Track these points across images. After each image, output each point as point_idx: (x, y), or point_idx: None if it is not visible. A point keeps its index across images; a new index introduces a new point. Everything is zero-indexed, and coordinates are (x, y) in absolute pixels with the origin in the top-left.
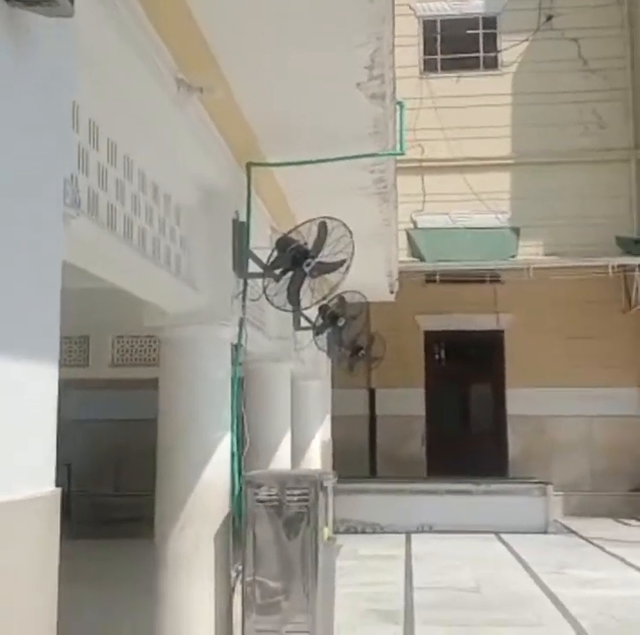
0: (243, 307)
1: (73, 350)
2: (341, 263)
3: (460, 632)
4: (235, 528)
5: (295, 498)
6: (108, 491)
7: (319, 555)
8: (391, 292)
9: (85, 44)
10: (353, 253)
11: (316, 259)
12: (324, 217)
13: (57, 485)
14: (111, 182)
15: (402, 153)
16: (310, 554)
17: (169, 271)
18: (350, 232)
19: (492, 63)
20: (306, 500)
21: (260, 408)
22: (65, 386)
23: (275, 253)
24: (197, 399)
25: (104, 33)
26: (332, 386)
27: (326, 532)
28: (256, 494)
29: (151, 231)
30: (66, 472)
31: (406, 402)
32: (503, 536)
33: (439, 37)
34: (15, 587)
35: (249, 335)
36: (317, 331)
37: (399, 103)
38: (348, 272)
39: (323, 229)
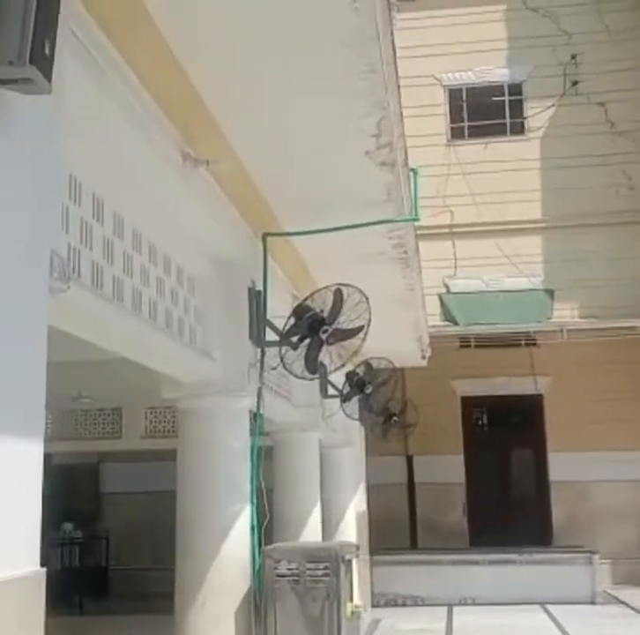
0: (261, 376)
1: (107, 422)
2: (359, 329)
3: None
4: (256, 604)
5: (316, 572)
6: (145, 565)
7: (342, 630)
8: (423, 357)
9: (84, 120)
10: (370, 319)
11: (333, 326)
12: (340, 284)
13: (43, 565)
14: (118, 254)
15: (417, 220)
16: (333, 630)
17: (182, 342)
18: (366, 298)
19: (519, 129)
20: (327, 574)
21: (288, 479)
22: (100, 459)
23: (292, 321)
24: (215, 471)
25: (104, 109)
26: (367, 454)
27: (350, 607)
28: (275, 568)
29: (162, 303)
30: (104, 546)
31: (445, 469)
32: (549, 607)
33: (465, 105)
34: None
35: (274, 404)
36: (345, 398)
37: (413, 170)
38: (366, 338)
39: (338, 296)
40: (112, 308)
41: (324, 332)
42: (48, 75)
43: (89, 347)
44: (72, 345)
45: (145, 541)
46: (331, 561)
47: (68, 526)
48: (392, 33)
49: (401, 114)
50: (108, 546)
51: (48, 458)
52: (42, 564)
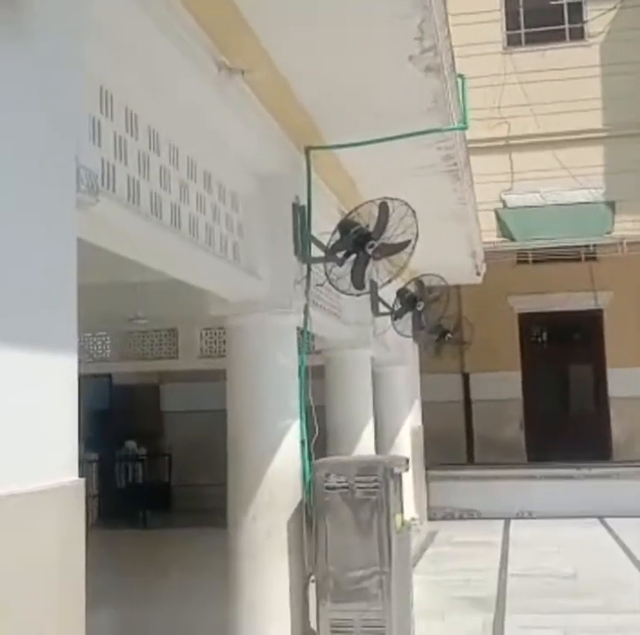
0: (307, 293)
1: (163, 343)
2: (406, 243)
3: (552, 620)
4: (308, 516)
5: (365, 485)
6: (206, 481)
7: (392, 542)
8: (478, 274)
9: (115, 31)
10: (417, 233)
11: (379, 241)
12: (385, 198)
13: (81, 476)
14: (154, 170)
15: (465, 128)
16: (384, 541)
17: (226, 259)
18: (413, 212)
19: (578, 35)
20: (377, 487)
21: (340, 396)
22: (160, 379)
23: (337, 236)
24: (263, 388)
25: (135, 18)
26: (421, 372)
27: (399, 519)
28: (325, 481)
29: (203, 219)
30: (167, 462)
31: (502, 386)
32: (607, 521)
33: (522, 11)
34: (38, 578)
35: (324, 322)
36: (396, 315)
37: (460, 76)
38: (413, 252)
39: (384, 210)
40: (149, 223)
41: (370, 246)
42: None
43: (138, 267)
44: (121, 266)
45: (205, 458)
46: (379, 474)
47: (131, 443)
48: None
49: (446, 15)
50: (170, 462)
51: (108, 378)
52: (102, 480)
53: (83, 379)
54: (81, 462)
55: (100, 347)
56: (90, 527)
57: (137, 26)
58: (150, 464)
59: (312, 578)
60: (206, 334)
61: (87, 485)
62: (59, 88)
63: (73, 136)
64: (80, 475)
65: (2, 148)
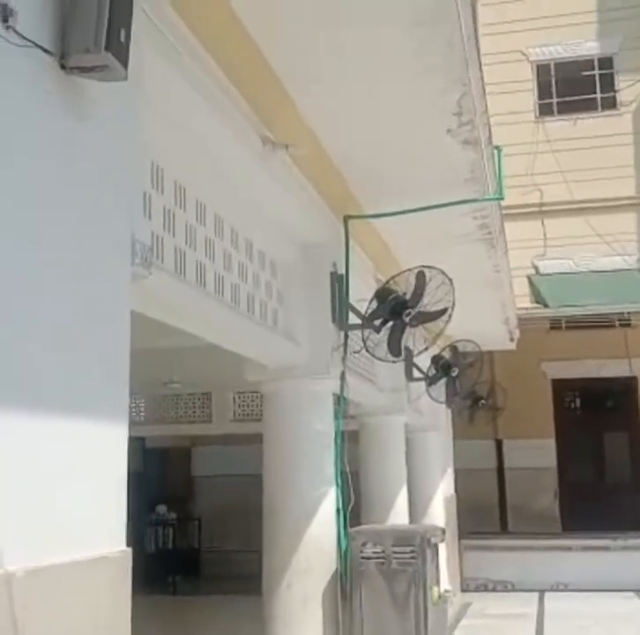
0: (344, 359)
1: (197, 406)
2: (442, 311)
3: None
4: (343, 586)
5: (402, 555)
6: (236, 547)
7: (429, 615)
8: (511, 340)
9: (164, 106)
10: (454, 302)
11: (416, 309)
12: (422, 266)
13: (128, 545)
14: (200, 240)
15: (502, 198)
16: (420, 614)
17: (265, 326)
18: (450, 280)
19: (610, 104)
20: (413, 558)
21: (374, 463)
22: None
23: (374, 304)
24: (299, 454)
25: (183, 94)
26: (454, 438)
27: (436, 591)
28: (361, 551)
29: (244, 287)
30: (196, 527)
31: (536, 453)
32: None
33: (554, 80)
34: None
35: (359, 388)
36: (430, 381)
37: (497, 148)
38: (450, 320)
39: (421, 278)
40: (195, 293)
41: (407, 314)
42: (123, 61)
43: (176, 334)
44: (160, 331)
45: (235, 524)
46: (416, 544)
47: (162, 508)
48: (474, 8)
49: (483, 90)
50: (200, 528)
51: (141, 441)
52: (131, 545)
53: None
54: None
55: (134, 411)
56: None
57: (187, 102)
58: (180, 529)
59: None
60: (239, 398)
61: None
62: (118, 166)
63: (129, 211)
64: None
65: (65, 224)
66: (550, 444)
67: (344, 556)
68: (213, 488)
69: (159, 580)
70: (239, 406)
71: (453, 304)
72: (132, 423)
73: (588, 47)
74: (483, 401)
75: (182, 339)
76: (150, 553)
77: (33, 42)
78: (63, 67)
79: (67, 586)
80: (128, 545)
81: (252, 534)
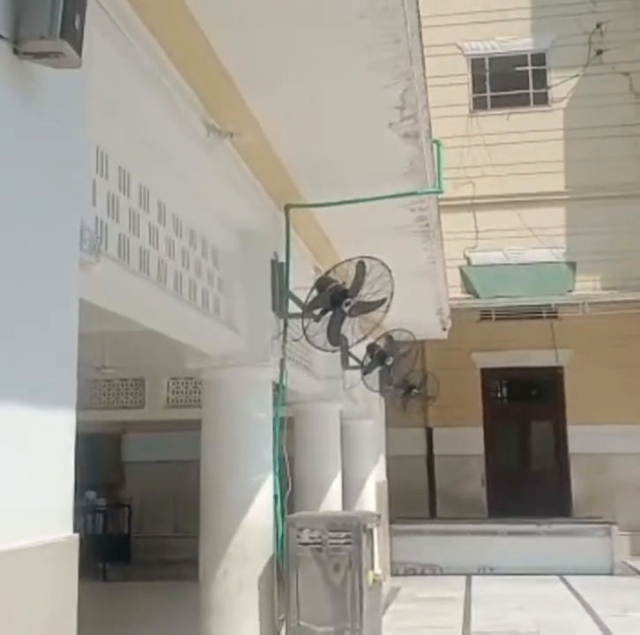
0: (283, 347)
1: (129, 392)
2: (381, 302)
3: None
4: (279, 572)
5: (338, 541)
6: (167, 533)
7: (364, 599)
8: (444, 329)
9: (110, 92)
10: (392, 292)
11: (356, 299)
12: (362, 256)
13: (76, 530)
14: (143, 227)
15: (440, 192)
16: (356, 598)
17: (207, 313)
18: (389, 271)
19: (542, 100)
20: (349, 543)
21: (309, 449)
22: (123, 429)
23: (314, 293)
24: (238, 441)
25: (129, 81)
26: (387, 426)
27: (371, 575)
28: (298, 537)
29: (187, 274)
30: (127, 513)
31: (465, 441)
32: (567, 578)
33: (488, 75)
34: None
35: (296, 376)
36: (366, 370)
37: (436, 142)
38: (388, 310)
39: (361, 269)
40: (138, 280)
41: (347, 304)
42: (78, 48)
43: (115, 319)
44: (98, 316)
45: (166, 510)
46: (353, 530)
47: (91, 494)
48: (417, 2)
49: (425, 85)
50: (131, 514)
51: None
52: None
53: None
54: None
55: None
56: None
57: (132, 89)
58: (110, 515)
59: (282, 633)
60: (173, 384)
61: None
62: (67, 152)
63: (78, 197)
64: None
65: (13, 209)
66: (478, 432)
67: (281, 542)
68: (144, 474)
69: (89, 567)
70: (172, 392)
71: (391, 295)
72: None
73: (522, 43)
74: (416, 390)
75: (117, 324)
76: (80, 539)
77: None
78: (16, 52)
79: (11, 573)
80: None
81: (182, 520)
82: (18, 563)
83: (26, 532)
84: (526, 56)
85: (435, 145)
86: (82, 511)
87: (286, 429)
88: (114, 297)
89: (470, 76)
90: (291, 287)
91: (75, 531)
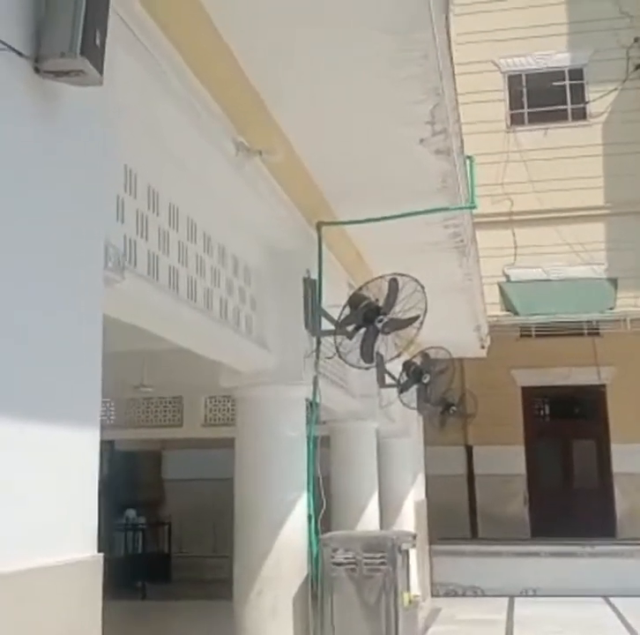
0: (316, 365)
1: (168, 410)
2: (415, 318)
3: None
4: (314, 592)
5: (373, 561)
6: (206, 552)
7: (400, 620)
8: (482, 347)
9: (138, 111)
10: (426, 309)
11: (389, 316)
12: (395, 273)
13: (100, 550)
14: (173, 245)
15: (474, 207)
16: (391, 619)
17: (238, 331)
18: (422, 287)
19: (580, 115)
20: (384, 563)
21: (345, 468)
22: (163, 446)
23: (347, 310)
24: (272, 459)
25: (156, 100)
26: (425, 444)
27: (407, 596)
28: (332, 557)
29: (218, 292)
30: (166, 532)
31: (506, 460)
32: (611, 600)
33: (525, 91)
34: None
35: (331, 394)
36: (402, 388)
37: (469, 157)
38: (422, 327)
39: (394, 286)
40: (167, 297)
41: (380, 321)
42: (99, 66)
43: (149, 337)
44: (133, 335)
45: (206, 528)
46: (387, 550)
47: (131, 512)
48: (448, 19)
49: (456, 100)
50: (171, 532)
51: (111, 445)
52: (102, 550)
53: None
54: None
55: (103, 414)
56: None
57: (160, 108)
58: (150, 533)
59: None
60: (211, 402)
61: None
62: (91, 170)
63: (102, 215)
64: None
65: (36, 229)
66: (519, 451)
67: (315, 561)
68: (184, 492)
69: (128, 585)
70: (210, 410)
71: (425, 311)
72: (101, 426)
73: (559, 58)
74: (454, 408)
75: (154, 342)
76: (119, 558)
77: (6, 45)
78: (36, 70)
79: (35, 591)
80: (99, 550)
81: (222, 538)
82: (43, 581)
83: (51, 551)
84: (564, 71)
85: (467, 161)
86: (122, 529)
87: (322, 447)
88: (143, 314)
89: (507, 92)
90: (325, 305)
91: (111, 550)
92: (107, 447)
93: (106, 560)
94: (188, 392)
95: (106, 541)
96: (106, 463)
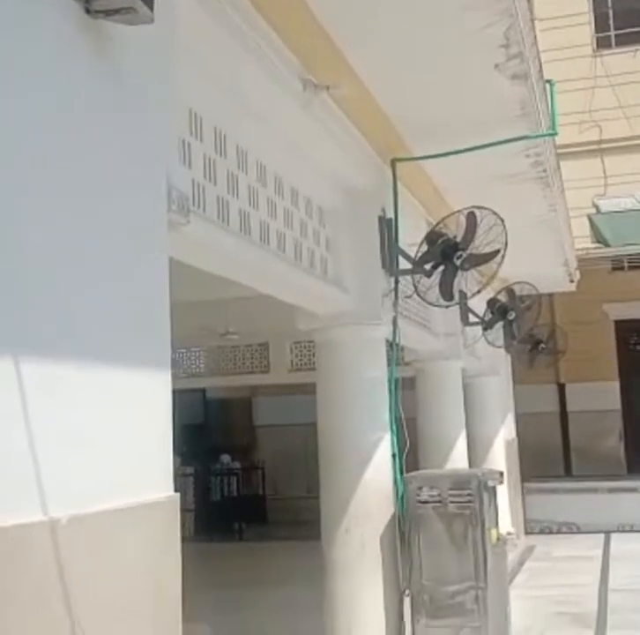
0: (395, 305)
1: (255, 357)
2: (495, 253)
3: None
4: (401, 529)
5: (459, 499)
6: (300, 493)
7: (488, 557)
8: (571, 281)
9: (201, 53)
10: (506, 243)
11: (467, 251)
12: (473, 207)
13: (177, 490)
14: (243, 188)
15: (555, 134)
16: (479, 556)
17: (314, 273)
18: (501, 220)
19: None
20: (470, 500)
21: (431, 409)
22: (253, 393)
23: (424, 248)
24: (353, 401)
25: (219, 40)
26: (515, 383)
27: (495, 533)
28: (417, 495)
29: (291, 235)
30: (260, 475)
31: (600, 396)
32: None
33: (611, 12)
34: (135, 591)
35: (413, 334)
36: (486, 326)
37: (548, 81)
38: (503, 261)
39: (472, 220)
40: (239, 241)
41: (458, 257)
42: (149, 2)
43: (229, 284)
44: (212, 283)
45: (299, 471)
46: (473, 487)
47: (226, 457)
48: None
49: (532, 21)
50: (264, 476)
51: (202, 393)
52: (198, 494)
53: (177, 394)
54: (177, 476)
55: (193, 362)
56: (186, 541)
57: (224, 48)
58: (244, 477)
59: (407, 592)
60: (296, 348)
61: (183, 499)
62: (150, 112)
63: (164, 158)
64: (176, 490)
65: (97, 172)
66: (614, 387)
67: (400, 500)
68: (275, 437)
69: (226, 528)
70: (296, 356)
71: (505, 245)
72: (192, 375)
73: None
74: (543, 345)
75: (235, 289)
76: (217, 501)
77: None
78: (87, 11)
79: (113, 532)
80: (176, 490)
81: (314, 480)
82: (119, 522)
83: (128, 491)
84: None
85: (547, 86)
86: (217, 474)
87: (408, 388)
88: (215, 259)
89: (592, 14)
90: (403, 244)
91: (209, 494)
92: (199, 395)
93: (205, 503)
94: (273, 338)
95: (203, 486)
96: (199, 411)
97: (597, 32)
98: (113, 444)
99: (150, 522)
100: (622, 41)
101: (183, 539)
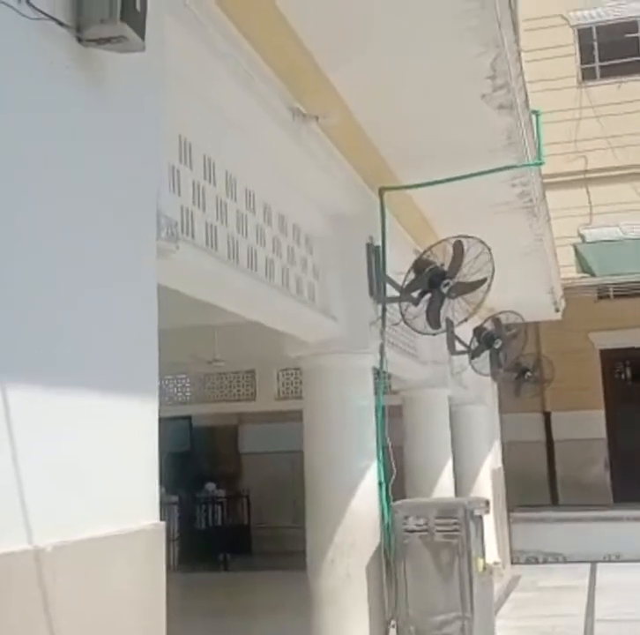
0: (382, 333)
1: (242, 384)
2: (481, 282)
3: None
4: (387, 560)
5: (445, 528)
6: (285, 523)
7: (474, 587)
8: (557, 310)
9: (191, 80)
10: (493, 271)
11: (454, 280)
12: (459, 236)
13: (161, 519)
14: (231, 215)
15: (541, 164)
16: (465, 586)
17: (301, 300)
18: (488, 249)
19: None
20: (457, 530)
21: (418, 437)
22: (239, 420)
23: (412, 275)
24: (341, 429)
25: (209, 68)
26: (501, 411)
27: (481, 562)
28: (404, 524)
29: (279, 262)
30: (245, 504)
31: (586, 425)
32: None
33: (595, 44)
34: (120, 621)
35: (401, 362)
36: (473, 354)
37: (535, 112)
38: (489, 290)
39: (459, 248)
40: (227, 268)
41: (445, 285)
42: (140, 31)
43: (215, 311)
44: (200, 309)
45: (285, 500)
46: (459, 516)
47: (211, 485)
48: None
49: (519, 52)
50: (249, 504)
51: (188, 420)
52: (182, 523)
53: (163, 421)
54: (162, 505)
55: (180, 390)
56: (169, 571)
57: (214, 76)
58: (229, 506)
59: (393, 623)
60: (283, 376)
61: (168, 528)
62: (140, 139)
63: (154, 185)
64: (161, 518)
65: (86, 199)
66: (599, 416)
67: (387, 529)
68: (261, 465)
69: (210, 557)
70: (282, 384)
71: (492, 274)
72: (179, 402)
73: (630, 8)
74: (529, 374)
75: (221, 316)
76: (201, 530)
77: (47, 15)
78: (79, 40)
79: (98, 560)
80: (161, 519)
81: (300, 510)
82: (104, 550)
83: (113, 519)
84: (636, 21)
85: (533, 116)
86: (202, 502)
87: (395, 416)
88: (203, 285)
89: (577, 46)
90: (391, 272)
91: (193, 522)
92: (185, 423)
93: (190, 533)
94: (260, 365)
95: (187, 514)
96: (184, 438)
97: (582, 63)
98: (98, 471)
99: (135, 550)
100: (607, 72)
101: (167, 569)
